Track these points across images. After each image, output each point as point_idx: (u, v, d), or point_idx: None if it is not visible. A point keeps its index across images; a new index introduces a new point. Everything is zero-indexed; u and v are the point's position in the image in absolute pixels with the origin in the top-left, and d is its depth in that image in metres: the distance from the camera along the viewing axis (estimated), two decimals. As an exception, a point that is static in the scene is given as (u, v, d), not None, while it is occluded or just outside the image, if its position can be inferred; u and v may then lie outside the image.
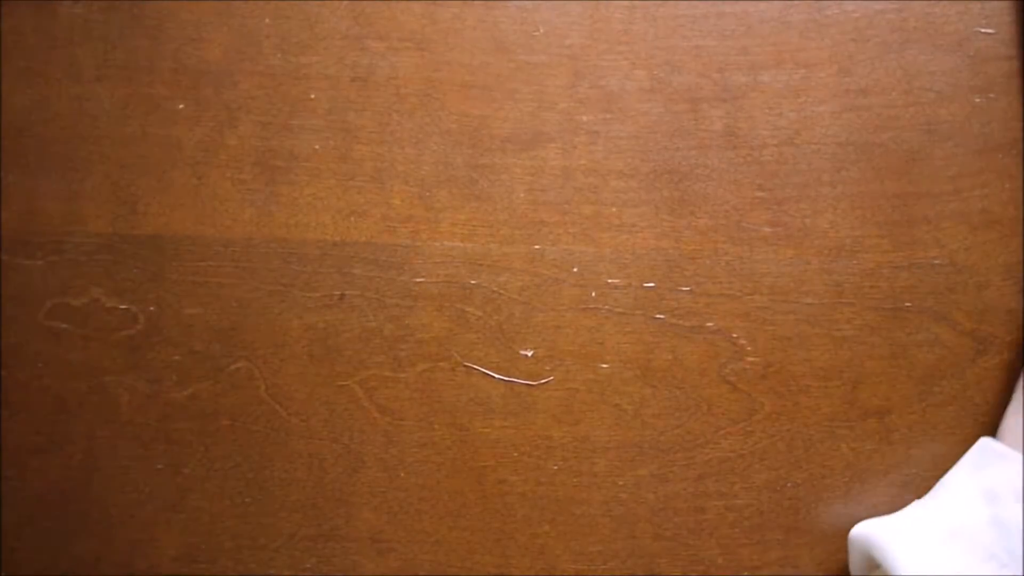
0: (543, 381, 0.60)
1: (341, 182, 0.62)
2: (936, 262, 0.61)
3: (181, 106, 0.62)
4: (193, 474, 0.60)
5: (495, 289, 0.61)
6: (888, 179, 0.61)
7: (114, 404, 0.61)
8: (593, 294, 0.61)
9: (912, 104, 0.61)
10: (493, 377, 0.61)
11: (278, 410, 0.60)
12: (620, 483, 0.61)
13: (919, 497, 0.58)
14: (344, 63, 0.62)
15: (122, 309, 0.61)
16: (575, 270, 0.61)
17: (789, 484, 0.61)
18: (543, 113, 0.62)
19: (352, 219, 0.61)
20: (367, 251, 0.61)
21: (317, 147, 0.62)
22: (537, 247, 0.61)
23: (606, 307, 0.61)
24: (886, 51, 0.62)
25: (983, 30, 0.62)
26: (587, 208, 0.61)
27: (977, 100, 0.61)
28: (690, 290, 0.61)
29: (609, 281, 0.61)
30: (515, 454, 0.60)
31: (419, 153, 0.62)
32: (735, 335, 0.61)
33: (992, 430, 0.59)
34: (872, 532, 0.56)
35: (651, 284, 0.61)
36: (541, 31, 0.62)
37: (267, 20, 0.63)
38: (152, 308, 0.61)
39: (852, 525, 0.58)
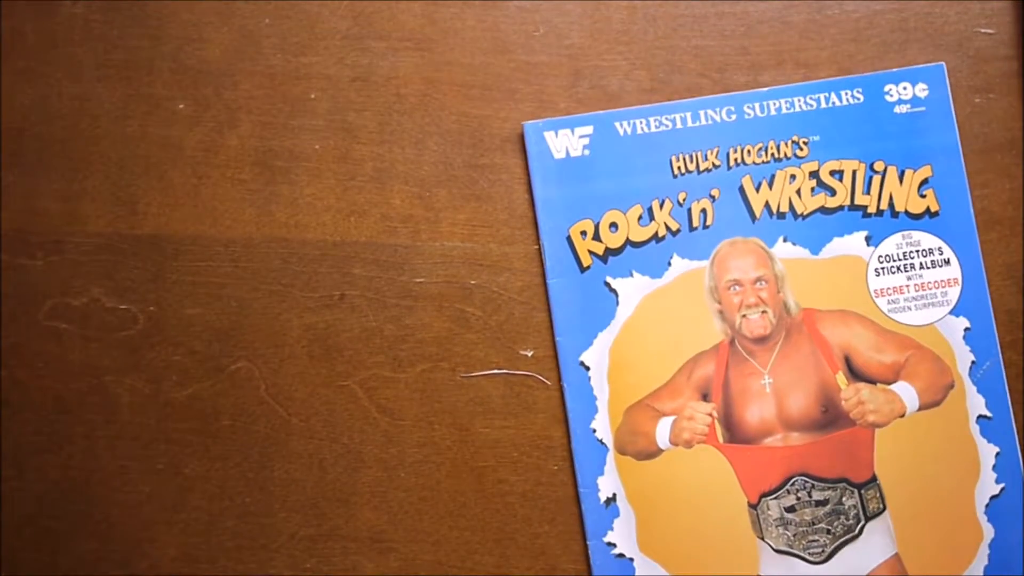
0: (543, 381, 0.60)
1: (341, 182, 0.62)
2: (936, 262, 0.61)
3: (181, 106, 0.62)
4: (193, 474, 0.60)
5: (495, 289, 0.61)
6: (888, 179, 0.61)
7: (114, 404, 0.61)
8: (593, 294, 0.61)
9: (912, 104, 0.61)
10: (493, 377, 0.61)
11: (278, 410, 0.60)
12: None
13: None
14: (344, 63, 0.62)
15: (122, 309, 0.61)
16: (575, 270, 0.61)
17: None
18: (543, 113, 0.62)
19: (352, 219, 0.61)
20: (367, 251, 0.61)
21: (317, 147, 0.62)
22: (537, 247, 0.61)
23: (606, 307, 0.61)
24: (886, 51, 0.62)
25: (983, 30, 0.62)
26: (587, 208, 0.61)
27: (977, 100, 0.61)
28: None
29: (609, 281, 0.61)
30: (515, 454, 0.60)
31: (419, 153, 0.62)
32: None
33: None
34: None
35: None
36: (541, 31, 0.62)
37: (267, 20, 0.63)
38: (152, 308, 0.61)
39: None
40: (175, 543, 0.60)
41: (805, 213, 0.60)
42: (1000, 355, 0.59)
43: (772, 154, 0.60)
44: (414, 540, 0.60)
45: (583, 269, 0.60)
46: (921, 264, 0.59)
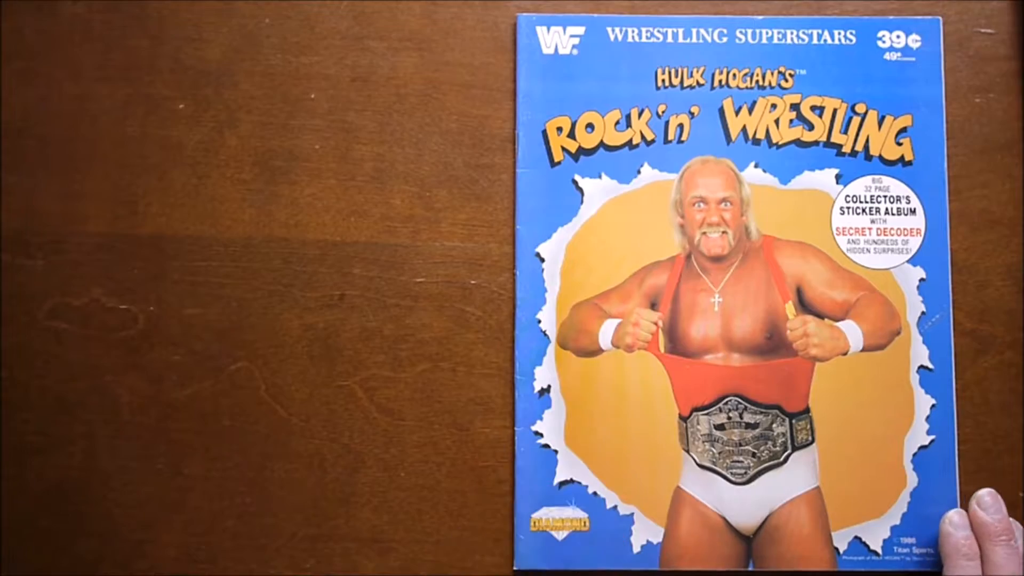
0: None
1: (341, 182, 0.62)
2: (936, 262, 0.61)
3: (181, 106, 0.62)
4: (193, 474, 0.60)
5: (495, 289, 0.61)
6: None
7: (114, 404, 0.61)
8: (593, 294, 0.61)
9: (912, 104, 0.61)
10: (493, 377, 0.60)
11: (278, 410, 0.60)
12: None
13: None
14: (344, 63, 0.62)
15: (122, 309, 0.61)
16: (575, 270, 0.61)
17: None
18: (543, 113, 0.62)
19: (352, 219, 0.61)
20: (367, 251, 0.61)
21: (317, 147, 0.62)
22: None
23: (606, 307, 0.61)
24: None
25: (983, 30, 0.62)
26: (587, 208, 0.61)
27: (977, 100, 0.61)
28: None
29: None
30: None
31: (419, 153, 0.62)
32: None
33: (991, 430, 0.59)
34: None
35: (651, 284, 0.61)
36: (541, 31, 0.62)
37: (267, 20, 0.63)
38: (152, 308, 0.61)
39: None
40: (175, 543, 0.60)
41: (780, 143, 0.60)
42: (951, 311, 0.59)
43: (757, 81, 0.61)
44: (414, 540, 0.60)
45: (553, 164, 0.60)
46: (887, 210, 0.60)
